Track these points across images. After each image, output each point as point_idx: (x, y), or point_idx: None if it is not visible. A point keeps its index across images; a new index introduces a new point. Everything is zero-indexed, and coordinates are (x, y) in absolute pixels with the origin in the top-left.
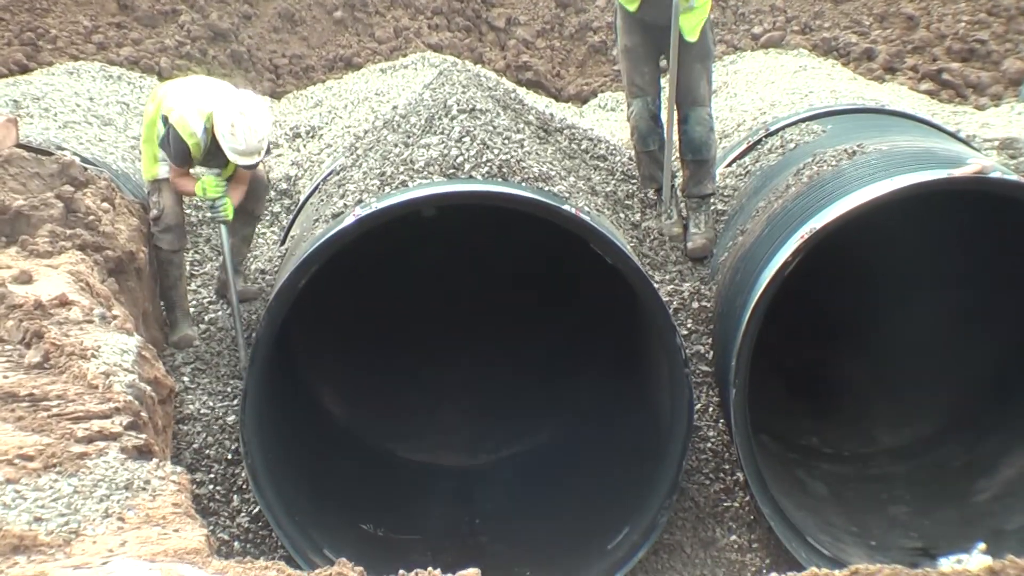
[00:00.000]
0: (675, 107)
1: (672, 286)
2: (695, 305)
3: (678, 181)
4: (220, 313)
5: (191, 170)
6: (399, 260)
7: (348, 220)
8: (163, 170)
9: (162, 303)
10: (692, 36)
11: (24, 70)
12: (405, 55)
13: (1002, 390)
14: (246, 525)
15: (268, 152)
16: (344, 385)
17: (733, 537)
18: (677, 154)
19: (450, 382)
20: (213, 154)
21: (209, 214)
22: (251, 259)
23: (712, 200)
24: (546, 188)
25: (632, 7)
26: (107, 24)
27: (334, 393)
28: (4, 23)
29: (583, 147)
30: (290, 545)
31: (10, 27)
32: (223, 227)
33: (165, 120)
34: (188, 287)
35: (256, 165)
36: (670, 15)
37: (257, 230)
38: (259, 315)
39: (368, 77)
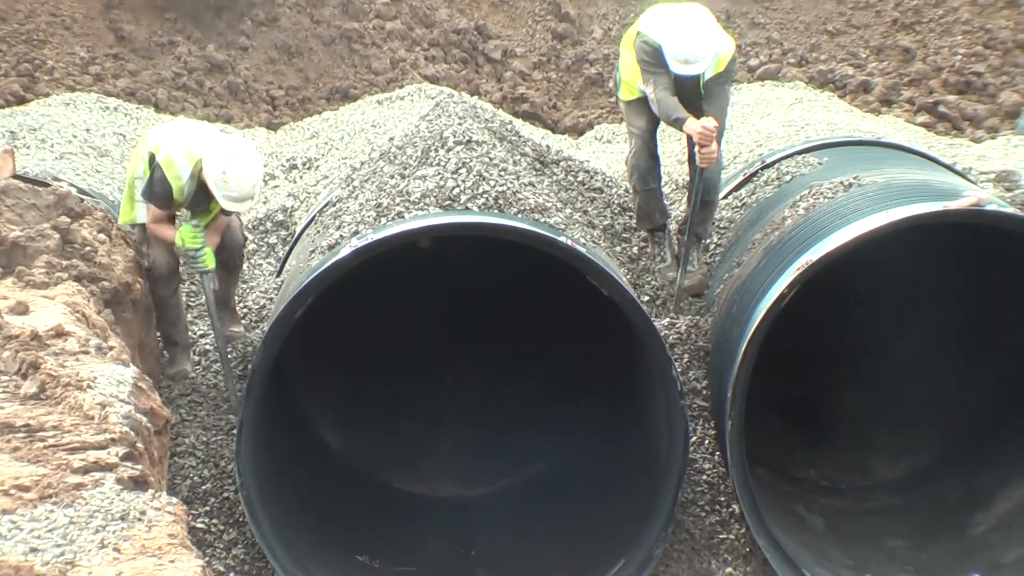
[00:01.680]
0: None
1: (668, 319)
2: (691, 338)
3: (671, 222)
4: (211, 348)
5: (176, 213)
6: (396, 291)
7: (344, 251)
8: (141, 214)
9: (159, 337)
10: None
11: (21, 101)
12: (402, 86)
13: (998, 422)
14: (242, 556)
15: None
16: (341, 416)
17: (729, 570)
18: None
19: (447, 413)
20: (197, 201)
21: (188, 265)
22: (247, 290)
23: (706, 239)
24: (542, 220)
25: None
26: (104, 55)
27: (330, 424)
28: (1, 54)
29: (579, 179)
30: None
31: (7, 58)
32: (203, 276)
33: (151, 159)
34: (187, 318)
35: (247, 211)
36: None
37: (253, 261)
38: (255, 346)
39: (364, 108)
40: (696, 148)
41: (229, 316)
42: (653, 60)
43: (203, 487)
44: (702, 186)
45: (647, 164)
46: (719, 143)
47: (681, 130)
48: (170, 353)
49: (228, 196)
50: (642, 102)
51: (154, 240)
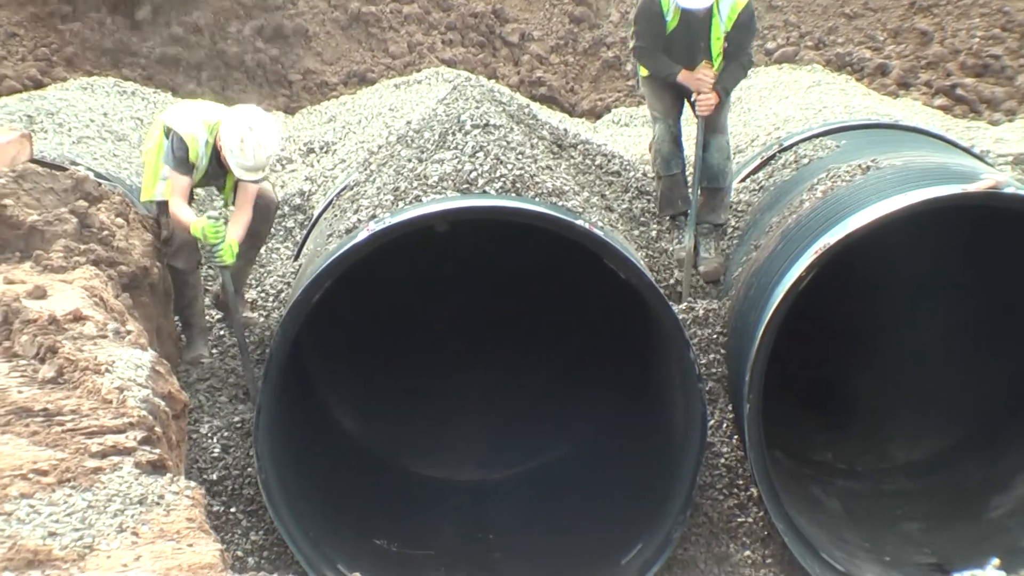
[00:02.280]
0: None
1: (686, 303)
2: (709, 322)
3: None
4: (224, 333)
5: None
6: (413, 274)
7: (362, 235)
8: (160, 190)
9: (177, 320)
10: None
11: (38, 85)
12: (419, 70)
13: (1017, 406)
14: (260, 541)
15: (268, 170)
16: (358, 399)
17: (747, 552)
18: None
19: (464, 397)
20: (212, 174)
21: (207, 258)
22: (265, 274)
23: (724, 226)
24: (560, 203)
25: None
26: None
27: (348, 407)
28: (18, 39)
29: (597, 162)
30: (304, 561)
31: (24, 43)
32: (222, 270)
33: (168, 132)
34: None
35: (260, 181)
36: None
37: (271, 245)
38: (272, 331)
39: (382, 92)
40: (695, 97)
41: (240, 302)
42: (645, 14)
43: (220, 471)
44: (707, 173)
45: (670, 149)
46: (725, 109)
47: (677, 82)
48: (187, 336)
49: (242, 165)
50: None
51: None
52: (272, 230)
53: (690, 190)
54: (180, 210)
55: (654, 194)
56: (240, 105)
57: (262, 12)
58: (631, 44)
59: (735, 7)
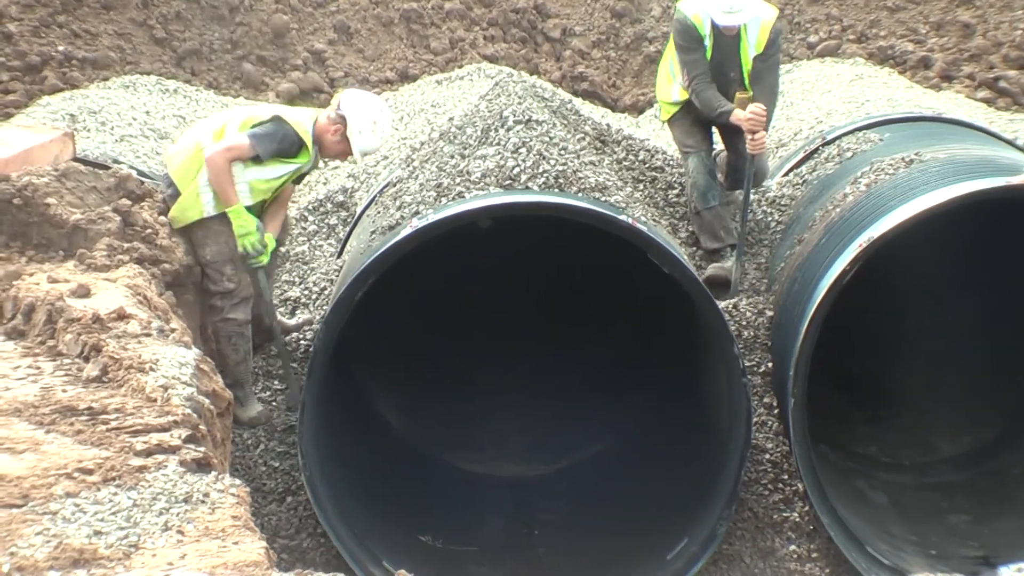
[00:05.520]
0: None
1: (732, 300)
2: (752, 317)
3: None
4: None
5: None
6: (457, 270)
7: (405, 232)
8: (209, 206)
9: (227, 380)
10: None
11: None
12: (461, 66)
13: None
14: (305, 539)
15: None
16: (401, 395)
17: (792, 547)
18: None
19: (507, 392)
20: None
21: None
22: (308, 271)
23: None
24: (603, 198)
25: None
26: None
27: (391, 403)
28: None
29: (640, 158)
30: (349, 557)
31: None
32: (259, 272)
33: (261, 122)
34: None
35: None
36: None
37: (314, 243)
38: (315, 329)
39: (424, 88)
40: (746, 136)
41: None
42: (686, 38)
43: (264, 468)
44: (754, 179)
45: (706, 182)
46: (767, 129)
47: (728, 123)
48: (239, 396)
49: (368, 148)
50: (684, 113)
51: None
52: (316, 227)
53: (735, 223)
54: (229, 180)
55: (692, 228)
56: (350, 89)
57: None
58: (682, 80)
59: (765, 26)
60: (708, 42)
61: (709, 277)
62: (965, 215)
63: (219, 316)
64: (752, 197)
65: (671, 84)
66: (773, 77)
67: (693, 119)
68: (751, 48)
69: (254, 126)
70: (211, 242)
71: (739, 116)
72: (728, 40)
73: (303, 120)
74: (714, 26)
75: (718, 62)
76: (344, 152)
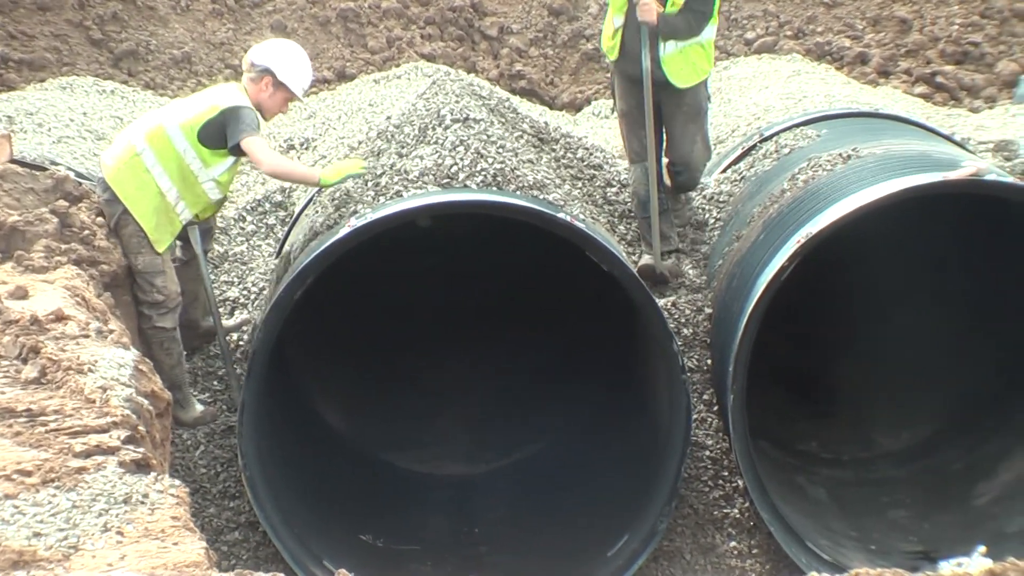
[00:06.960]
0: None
1: (671, 297)
2: (691, 315)
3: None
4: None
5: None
6: (396, 269)
7: (343, 231)
8: (186, 214)
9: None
10: (677, 81)
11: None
12: (398, 65)
13: (1001, 393)
14: (244, 538)
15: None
16: (342, 395)
17: (733, 543)
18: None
19: (448, 391)
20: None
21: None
22: (247, 271)
23: (681, 245)
24: (541, 196)
25: (612, 56)
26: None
27: (332, 403)
28: None
29: (579, 155)
30: (289, 556)
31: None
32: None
33: (223, 112)
34: None
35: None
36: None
37: (252, 242)
38: (255, 327)
39: (361, 88)
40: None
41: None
42: None
43: (204, 469)
44: (678, 169)
45: (647, 192)
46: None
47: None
48: (179, 398)
49: (304, 83)
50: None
51: (171, 269)
52: (254, 227)
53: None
54: (298, 167)
55: (636, 231)
56: (253, 47)
57: (243, 10)
58: None
59: None
60: None
61: (640, 270)
62: (904, 210)
63: (148, 324)
64: (692, 195)
65: (610, 25)
66: (709, 5)
67: (641, 116)
68: None
69: (205, 123)
70: (145, 252)
71: None
72: None
73: (239, 96)
74: None
75: (632, 69)
76: (283, 102)
